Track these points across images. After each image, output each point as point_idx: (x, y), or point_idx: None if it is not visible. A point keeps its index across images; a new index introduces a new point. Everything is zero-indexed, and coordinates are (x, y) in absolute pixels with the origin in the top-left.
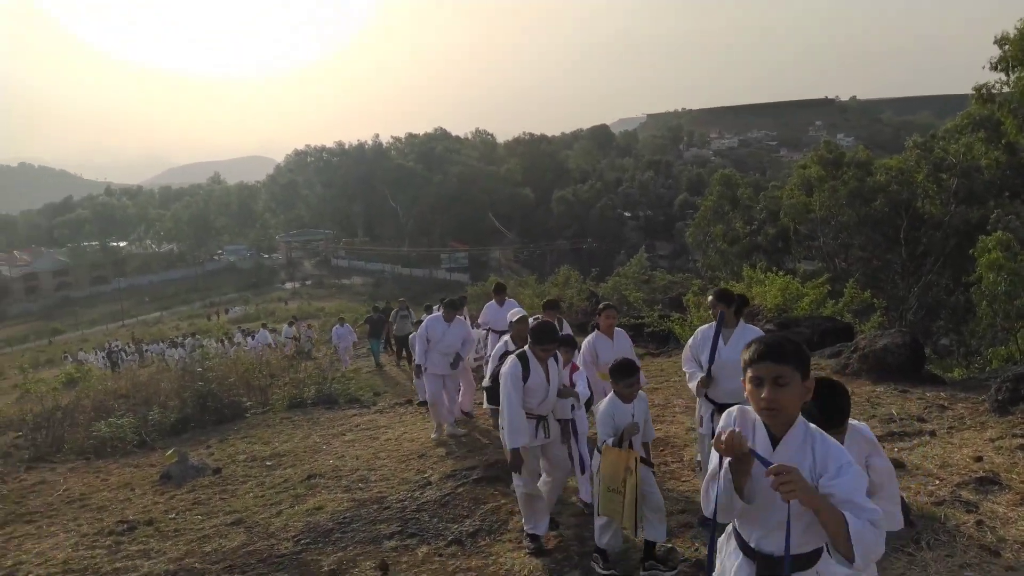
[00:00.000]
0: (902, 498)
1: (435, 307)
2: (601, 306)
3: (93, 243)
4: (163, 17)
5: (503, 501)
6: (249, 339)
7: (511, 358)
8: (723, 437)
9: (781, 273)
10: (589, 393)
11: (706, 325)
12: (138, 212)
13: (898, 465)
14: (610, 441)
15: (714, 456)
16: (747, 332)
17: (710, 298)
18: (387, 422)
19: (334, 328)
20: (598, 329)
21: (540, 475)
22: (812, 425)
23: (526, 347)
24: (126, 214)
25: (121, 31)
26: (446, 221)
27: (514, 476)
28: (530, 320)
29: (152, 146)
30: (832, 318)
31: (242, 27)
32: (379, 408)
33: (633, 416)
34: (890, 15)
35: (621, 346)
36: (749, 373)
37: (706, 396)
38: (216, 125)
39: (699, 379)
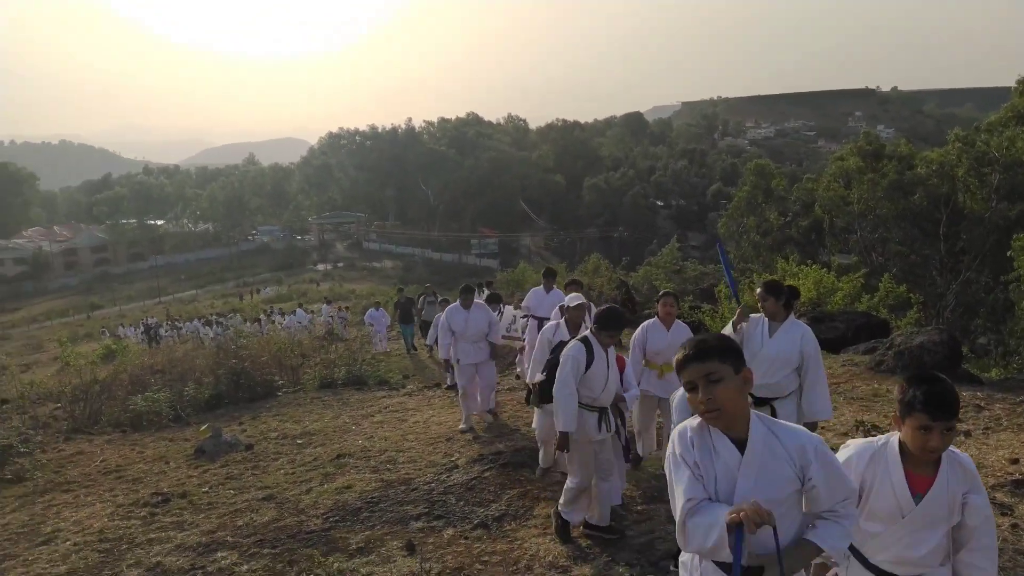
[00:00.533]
0: None
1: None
2: (660, 293)
3: (131, 221)
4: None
5: (529, 487)
6: (283, 319)
7: (574, 342)
8: (747, 513)
9: (815, 266)
10: (638, 392)
11: (755, 315)
12: (175, 191)
13: None
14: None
15: (716, 514)
16: (794, 327)
17: (758, 290)
18: (415, 405)
19: (369, 311)
20: (658, 316)
21: (591, 472)
22: (761, 414)
23: (588, 332)
24: (163, 193)
25: (162, 10)
26: (476, 206)
27: (570, 471)
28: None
29: (189, 126)
30: (867, 313)
31: (280, 8)
32: (408, 391)
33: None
34: (934, 4)
35: (677, 338)
36: (682, 380)
37: None
38: (252, 106)
39: None
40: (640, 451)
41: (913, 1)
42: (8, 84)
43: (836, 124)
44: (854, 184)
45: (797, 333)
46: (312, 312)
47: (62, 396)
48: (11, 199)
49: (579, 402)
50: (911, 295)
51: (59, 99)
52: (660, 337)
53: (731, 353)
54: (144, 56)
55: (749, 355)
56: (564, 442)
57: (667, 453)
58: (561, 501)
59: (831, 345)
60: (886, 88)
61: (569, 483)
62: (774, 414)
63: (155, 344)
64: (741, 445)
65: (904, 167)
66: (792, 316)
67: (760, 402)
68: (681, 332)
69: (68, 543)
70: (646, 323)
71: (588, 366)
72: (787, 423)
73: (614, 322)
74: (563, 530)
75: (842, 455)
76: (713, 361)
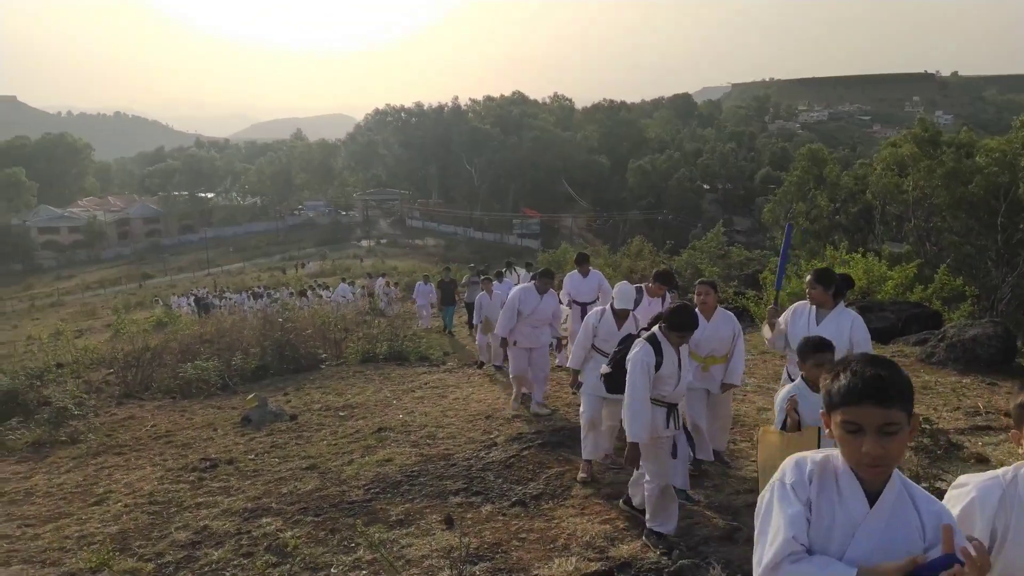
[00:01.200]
0: None
1: (504, 272)
2: (697, 281)
3: (183, 193)
4: None
5: (567, 467)
6: (329, 292)
7: (641, 343)
8: (974, 555)
9: (865, 253)
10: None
11: (801, 302)
12: (225, 165)
13: (981, 460)
14: (778, 424)
15: (830, 571)
16: (843, 315)
17: (808, 277)
18: (455, 382)
19: (417, 284)
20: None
21: (668, 469)
22: (902, 475)
23: (655, 330)
24: (214, 166)
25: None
26: (519, 186)
27: (646, 473)
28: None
29: (239, 101)
30: (920, 304)
31: (329, 6)
32: (448, 368)
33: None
34: None
35: (719, 328)
36: (839, 417)
37: (787, 372)
38: (300, 84)
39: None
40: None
41: None
42: (66, 57)
43: (892, 109)
44: (909, 171)
45: (847, 321)
46: (357, 285)
47: (115, 362)
48: (67, 169)
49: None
50: (966, 287)
51: (115, 73)
52: (699, 327)
53: (911, 398)
54: (195, 47)
55: (793, 343)
56: (634, 455)
57: (772, 479)
58: (647, 516)
59: (880, 335)
60: (946, 73)
61: (647, 489)
62: None
63: (205, 314)
64: (871, 497)
65: (963, 155)
66: (841, 304)
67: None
68: (725, 321)
69: (119, 504)
70: None
71: (657, 367)
72: (924, 490)
73: (686, 322)
74: (664, 544)
75: (959, 499)
76: (895, 409)
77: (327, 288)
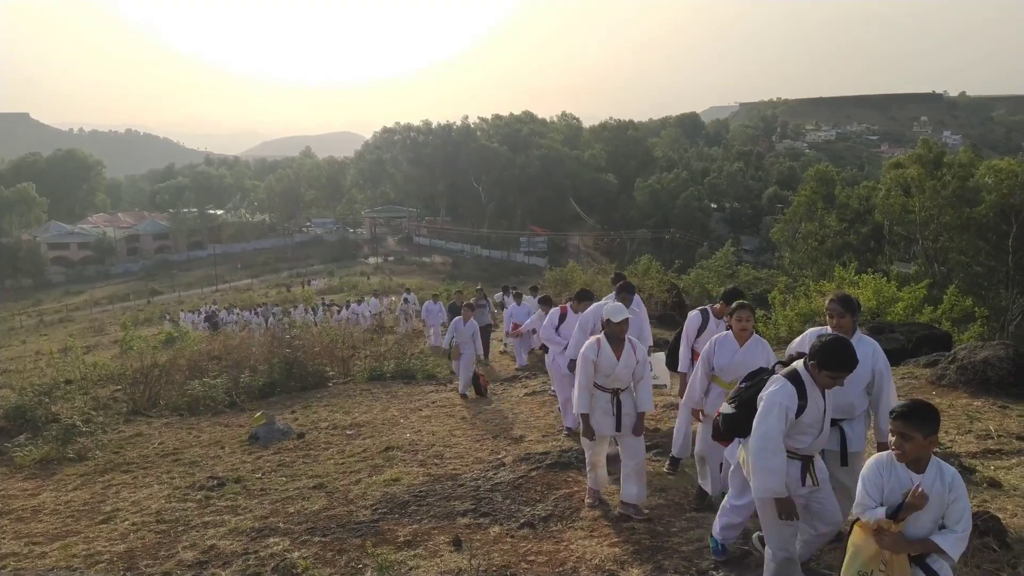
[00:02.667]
0: (998, 519)
1: (511, 290)
2: (735, 305)
3: (192, 210)
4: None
5: (576, 488)
6: (345, 310)
7: (782, 381)
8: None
9: (875, 274)
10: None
11: (814, 328)
12: (234, 182)
13: (993, 484)
14: (874, 514)
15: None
16: (864, 344)
17: (829, 304)
18: (462, 400)
19: (425, 304)
20: (731, 330)
21: (795, 536)
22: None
23: (798, 366)
24: (223, 183)
25: (215, 38)
26: (527, 204)
27: (767, 538)
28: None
29: (249, 119)
30: (929, 325)
31: (341, 37)
32: (455, 386)
33: (919, 484)
34: (1005, 7)
35: (751, 355)
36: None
37: None
38: (308, 102)
39: None
40: (676, 453)
41: (983, 4)
42: (79, 75)
43: (901, 129)
44: (914, 192)
45: (868, 350)
46: (384, 299)
47: (123, 379)
48: (78, 185)
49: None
50: (976, 308)
51: (127, 92)
52: (728, 351)
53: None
54: (206, 78)
55: None
56: (786, 507)
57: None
58: None
59: (890, 357)
60: (954, 93)
61: (768, 558)
62: (843, 436)
63: (214, 331)
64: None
65: (965, 174)
66: (859, 331)
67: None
68: (759, 348)
69: (127, 522)
70: (717, 337)
71: (800, 412)
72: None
73: (843, 362)
74: None
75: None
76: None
77: (336, 305)
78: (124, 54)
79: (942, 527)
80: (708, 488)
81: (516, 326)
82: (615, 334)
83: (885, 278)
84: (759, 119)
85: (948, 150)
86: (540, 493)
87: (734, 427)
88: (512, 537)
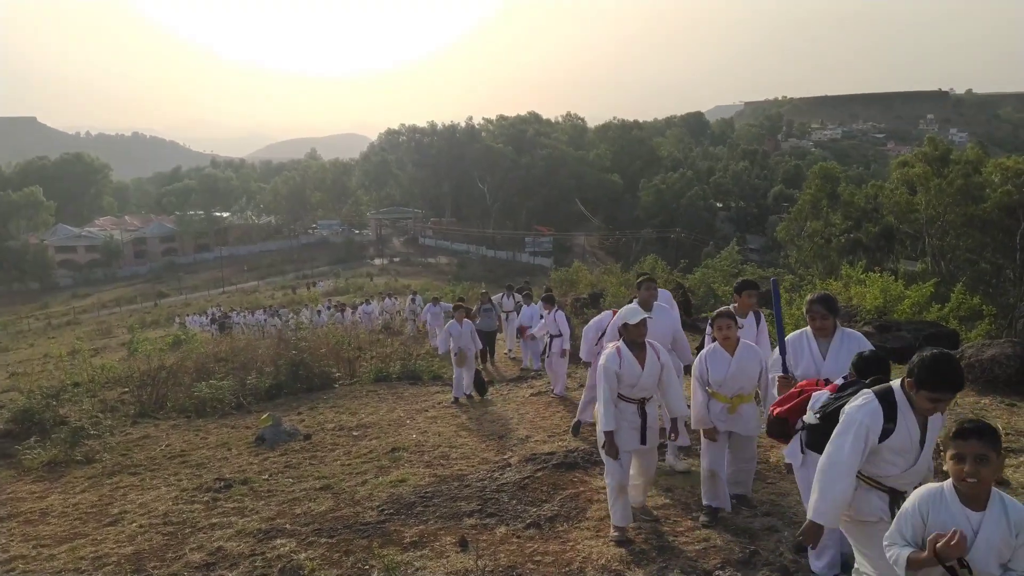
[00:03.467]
0: None
1: (521, 290)
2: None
3: (198, 212)
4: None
5: (582, 488)
6: (354, 311)
7: (870, 397)
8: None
9: (882, 272)
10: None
11: (797, 332)
12: (240, 184)
13: (1001, 483)
14: (897, 555)
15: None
16: (848, 339)
17: (810, 305)
18: (467, 401)
19: (427, 306)
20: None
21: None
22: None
23: (893, 385)
24: (229, 186)
25: (222, 32)
26: (532, 204)
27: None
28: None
29: (254, 122)
30: (936, 323)
31: (345, 29)
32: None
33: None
34: (1013, 4)
35: (745, 363)
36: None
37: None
38: (314, 105)
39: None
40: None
41: (989, 1)
42: (85, 79)
43: (907, 127)
44: (920, 190)
45: (854, 344)
46: (397, 300)
47: (130, 381)
48: (85, 189)
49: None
50: (983, 306)
51: (133, 95)
52: (722, 364)
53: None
54: (211, 72)
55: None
56: (814, 534)
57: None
58: None
59: (897, 355)
60: (960, 91)
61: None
62: None
63: (228, 331)
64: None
65: (970, 171)
66: (839, 327)
67: None
68: (749, 356)
69: (134, 524)
70: (703, 353)
71: (884, 437)
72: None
73: (947, 381)
74: None
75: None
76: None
77: (345, 306)
78: (130, 55)
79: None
80: (722, 504)
81: (524, 328)
82: (635, 338)
83: (893, 276)
84: (764, 118)
85: (954, 148)
86: (546, 493)
87: (816, 439)
88: (518, 537)
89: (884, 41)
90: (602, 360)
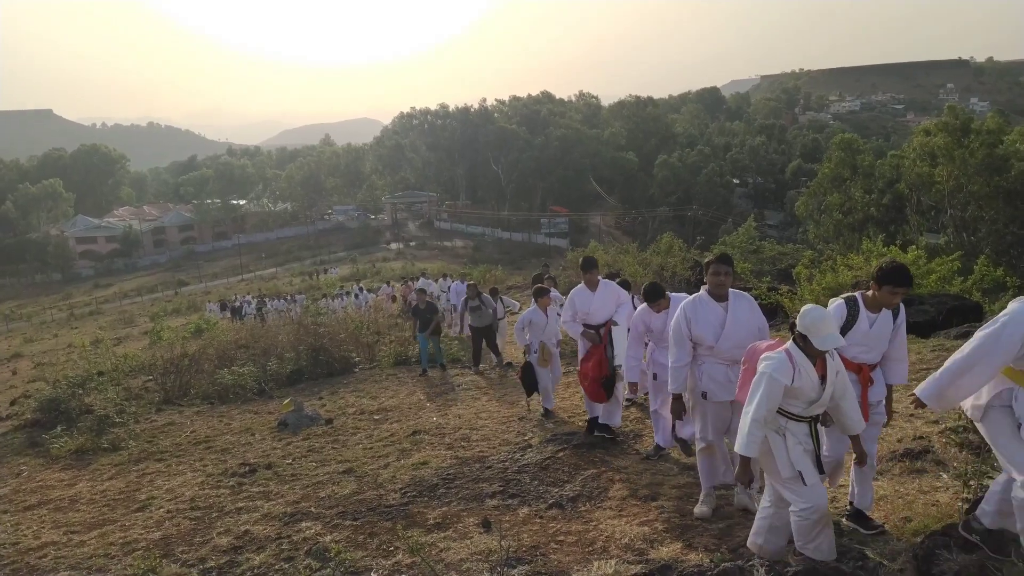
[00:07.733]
0: None
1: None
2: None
3: (215, 200)
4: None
5: (603, 468)
6: (370, 295)
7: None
8: None
9: (905, 246)
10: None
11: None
12: (256, 172)
13: None
14: None
15: None
16: (741, 299)
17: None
18: (487, 384)
19: (453, 284)
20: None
21: None
22: None
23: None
24: (245, 173)
25: (235, 22)
26: (547, 185)
27: None
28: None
29: (269, 109)
30: (960, 296)
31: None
32: (480, 369)
33: None
34: None
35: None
36: None
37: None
38: (328, 92)
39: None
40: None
41: None
42: (100, 71)
43: (927, 97)
44: (941, 161)
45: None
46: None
47: (154, 369)
48: (103, 180)
49: None
50: (1008, 277)
51: (148, 85)
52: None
53: None
54: (226, 63)
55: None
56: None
57: None
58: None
59: (920, 329)
60: (981, 59)
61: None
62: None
63: (260, 318)
64: None
65: (994, 141)
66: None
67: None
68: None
69: (162, 510)
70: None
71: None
72: None
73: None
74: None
75: None
76: None
77: (364, 291)
78: (144, 48)
79: None
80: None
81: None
82: (814, 354)
83: (915, 248)
84: (781, 91)
85: (976, 117)
86: (567, 474)
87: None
88: (541, 518)
89: (902, 10)
90: (771, 371)
